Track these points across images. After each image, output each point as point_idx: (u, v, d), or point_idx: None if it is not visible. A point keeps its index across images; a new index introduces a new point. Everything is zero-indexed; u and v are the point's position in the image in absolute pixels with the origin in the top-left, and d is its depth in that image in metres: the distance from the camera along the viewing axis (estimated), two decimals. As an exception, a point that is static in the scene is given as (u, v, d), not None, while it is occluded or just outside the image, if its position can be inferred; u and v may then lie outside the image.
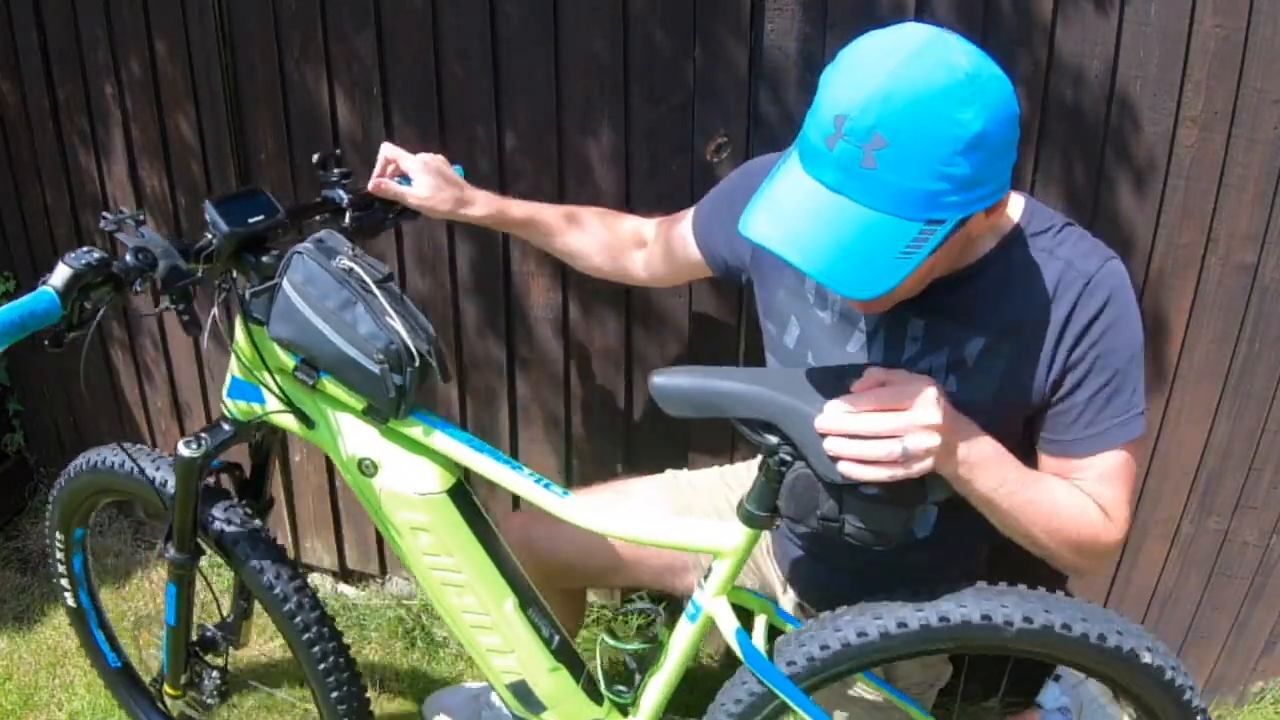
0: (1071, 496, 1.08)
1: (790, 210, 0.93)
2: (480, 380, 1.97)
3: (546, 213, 1.46)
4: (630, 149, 1.67)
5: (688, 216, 1.37)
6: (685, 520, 1.24)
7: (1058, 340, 1.06)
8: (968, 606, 1.09)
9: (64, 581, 1.79)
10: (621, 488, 1.51)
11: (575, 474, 1.99)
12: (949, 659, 1.42)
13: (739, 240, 1.23)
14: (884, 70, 0.88)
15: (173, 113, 1.95)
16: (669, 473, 1.53)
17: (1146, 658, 1.09)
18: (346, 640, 1.48)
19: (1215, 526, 1.69)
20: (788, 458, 1.06)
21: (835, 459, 0.98)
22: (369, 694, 1.51)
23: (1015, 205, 1.11)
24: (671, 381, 1.10)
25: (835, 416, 0.98)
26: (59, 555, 1.75)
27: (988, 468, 1.03)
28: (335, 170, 1.34)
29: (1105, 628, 1.09)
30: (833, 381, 1.04)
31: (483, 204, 1.41)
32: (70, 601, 1.80)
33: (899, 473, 0.96)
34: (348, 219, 1.32)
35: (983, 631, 1.09)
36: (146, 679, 1.80)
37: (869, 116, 0.87)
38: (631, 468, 1.90)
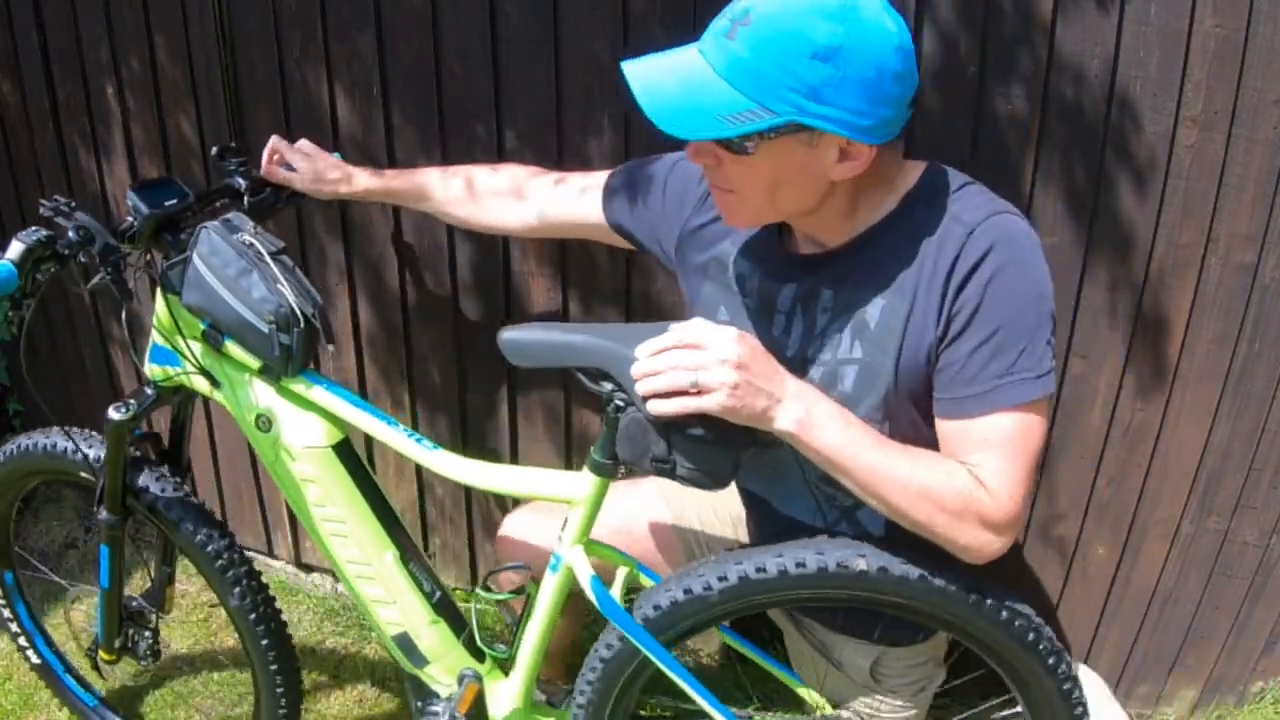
0: (934, 464, 1.06)
1: (661, 60, 1.05)
2: (481, 379, 1.97)
3: (414, 178, 1.56)
4: (630, 149, 1.67)
5: (598, 182, 1.41)
6: (541, 471, 1.32)
7: (942, 293, 1.05)
8: (757, 559, 1.17)
9: (21, 640, 1.88)
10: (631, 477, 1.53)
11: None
12: (941, 662, 1.42)
13: (660, 226, 1.32)
14: None
15: (173, 112, 1.96)
16: None
17: (860, 565, 1.12)
18: (347, 639, 1.50)
19: (1215, 526, 1.69)
20: (621, 403, 1.14)
21: (644, 399, 1.07)
22: (367, 689, 1.53)
23: (916, 168, 1.12)
24: (519, 335, 1.20)
25: (641, 360, 1.07)
26: (6, 614, 1.87)
27: (826, 427, 1.04)
28: (233, 160, 1.50)
29: (803, 554, 1.15)
30: (660, 333, 1.11)
31: (358, 180, 1.56)
32: (35, 659, 1.89)
33: (692, 404, 1.03)
34: (245, 202, 1.47)
35: (768, 583, 1.17)
36: (80, 652, 1.88)
37: (751, 2, 0.98)
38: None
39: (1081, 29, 1.42)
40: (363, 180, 1.56)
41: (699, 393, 1.03)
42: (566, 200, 1.45)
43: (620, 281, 1.78)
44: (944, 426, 1.10)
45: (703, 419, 1.07)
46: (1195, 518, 1.69)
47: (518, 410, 1.97)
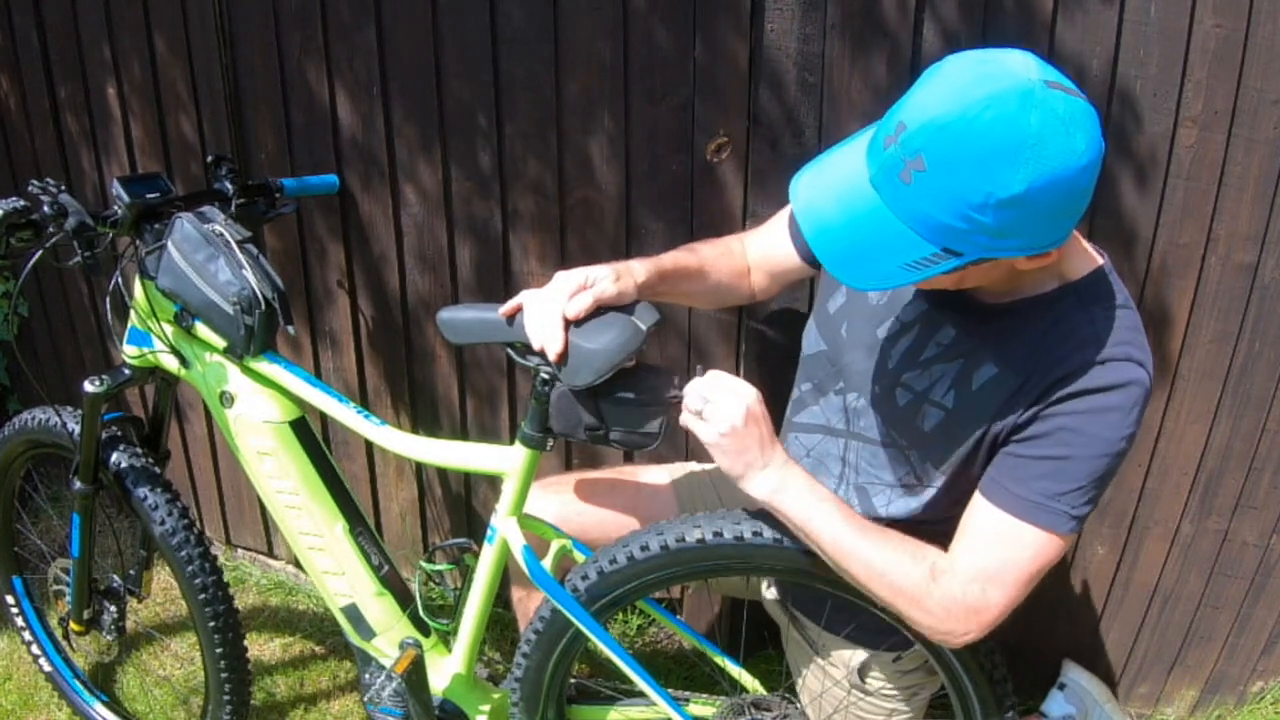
0: (900, 549, 1.08)
1: (830, 184, 0.99)
2: (482, 379, 1.97)
3: (681, 257, 1.36)
4: (631, 148, 1.67)
5: (784, 216, 1.38)
6: (475, 445, 1.38)
7: (1042, 394, 1.04)
8: (669, 530, 1.23)
9: (34, 648, 1.96)
10: (632, 471, 1.54)
11: (575, 469, 1.99)
12: (933, 670, 1.41)
13: None
14: (956, 100, 0.89)
15: (173, 112, 1.96)
16: (679, 464, 1.56)
17: (769, 535, 1.20)
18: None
19: (1215, 526, 1.69)
20: (547, 376, 1.21)
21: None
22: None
23: (1087, 260, 1.09)
24: (453, 314, 1.27)
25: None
26: (19, 621, 1.96)
27: (791, 497, 1.10)
28: (224, 167, 1.58)
29: (720, 524, 1.22)
30: (586, 321, 1.18)
31: (635, 272, 1.32)
32: (46, 667, 1.96)
33: (693, 424, 1.13)
34: (232, 206, 1.55)
35: (691, 551, 1.23)
36: (54, 620, 1.97)
37: (921, 137, 0.90)
38: (631, 463, 1.91)
39: (1082, 28, 1.42)
40: (639, 272, 1.31)
41: (700, 417, 1.11)
42: (766, 244, 1.39)
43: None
44: (976, 499, 1.10)
45: (627, 383, 1.18)
46: (1195, 518, 1.69)
47: (518, 409, 1.97)
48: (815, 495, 1.10)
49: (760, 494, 1.11)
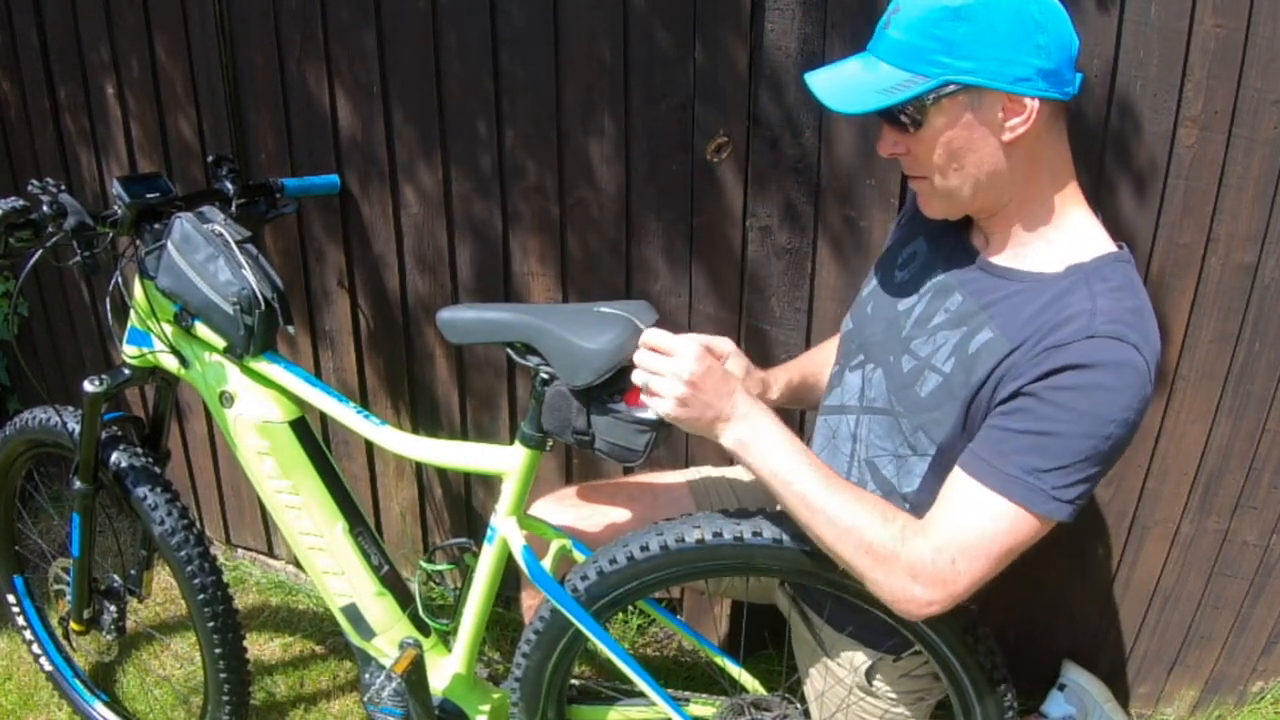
0: (871, 507, 1.07)
1: (839, 66, 1.15)
2: (481, 381, 1.97)
3: (803, 368, 1.49)
4: (631, 148, 1.67)
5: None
6: (475, 445, 1.39)
7: (1031, 363, 1.03)
8: (674, 530, 1.23)
9: (34, 647, 1.97)
10: (646, 476, 1.55)
11: (575, 473, 1.99)
12: (937, 675, 1.41)
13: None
14: None
15: (172, 112, 1.96)
16: (694, 467, 1.56)
17: (770, 535, 1.20)
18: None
19: (1215, 526, 1.69)
20: (546, 376, 1.23)
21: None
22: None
23: (1100, 243, 1.10)
24: (454, 314, 1.29)
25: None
26: (20, 620, 1.97)
27: (766, 451, 1.11)
28: (225, 167, 1.59)
29: (719, 525, 1.21)
30: (579, 316, 1.22)
31: (772, 390, 1.43)
32: (46, 666, 1.97)
33: (645, 400, 1.16)
34: (233, 206, 1.56)
35: (693, 551, 1.23)
36: (55, 619, 1.98)
37: None
38: (631, 467, 1.91)
39: (1082, 28, 1.40)
40: (775, 389, 1.44)
41: (649, 393, 1.14)
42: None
43: (620, 280, 1.78)
44: (955, 471, 1.09)
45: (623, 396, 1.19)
46: (1195, 518, 1.69)
47: (517, 411, 1.97)
48: (786, 447, 1.10)
49: (728, 444, 1.13)
